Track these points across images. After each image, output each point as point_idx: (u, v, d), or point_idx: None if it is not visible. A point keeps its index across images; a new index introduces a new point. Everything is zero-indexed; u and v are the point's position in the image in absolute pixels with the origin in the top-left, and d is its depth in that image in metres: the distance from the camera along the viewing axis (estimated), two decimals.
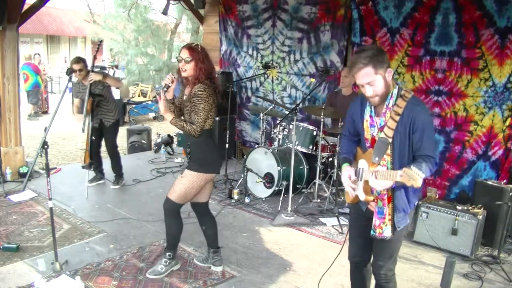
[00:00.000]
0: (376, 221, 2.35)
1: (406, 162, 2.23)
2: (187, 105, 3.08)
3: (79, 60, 4.99)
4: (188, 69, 3.01)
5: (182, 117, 3.16)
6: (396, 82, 2.33)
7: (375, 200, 2.32)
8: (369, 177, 2.17)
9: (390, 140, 2.22)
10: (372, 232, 2.37)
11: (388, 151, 2.25)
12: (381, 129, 2.27)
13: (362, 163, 2.35)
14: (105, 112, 5.02)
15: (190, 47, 3.04)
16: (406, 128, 2.20)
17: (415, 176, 1.93)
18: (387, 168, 2.25)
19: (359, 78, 2.21)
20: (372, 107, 2.33)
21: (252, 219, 4.54)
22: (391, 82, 2.25)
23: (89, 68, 4.99)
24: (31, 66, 10.07)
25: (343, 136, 2.62)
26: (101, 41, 4.63)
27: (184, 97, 3.16)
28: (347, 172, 2.37)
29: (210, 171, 3.16)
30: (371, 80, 2.18)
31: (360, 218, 2.48)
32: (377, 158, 2.22)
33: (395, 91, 2.26)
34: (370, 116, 2.34)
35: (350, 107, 2.52)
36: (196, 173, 3.10)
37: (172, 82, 3.08)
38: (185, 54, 3.00)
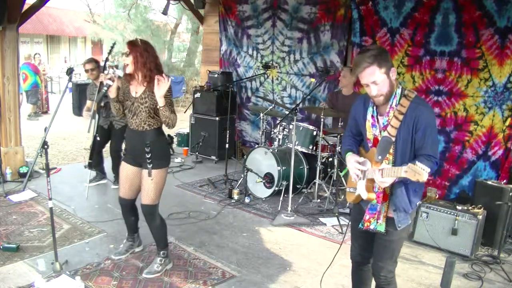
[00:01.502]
0: (366, 215, 2.39)
1: (407, 161, 2.22)
2: (146, 101, 3.05)
3: (92, 60, 5.13)
4: (130, 64, 3.02)
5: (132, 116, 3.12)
6: (399, 82, 2.34)
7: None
8: (375, 175, 2.18)
9: (393, 139, 2.23)
10: (360, 225, 2.41)
11: (391, 150, 2.26)
12: (384, 128, 2.28)
13: (366, 164, 2.35)
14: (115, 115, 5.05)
15: (129, 41, 3.07)
16: (410, 127, 2.21)
17: (420, 170, 1.94)
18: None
19: (364, 77, 2.21)
20: (374, 107, 2.34)
21: (252, 219, 4.54)
22: (395, 82, 2.26)
23: (100, 69, 5.02)
24: (30, 66, 10.05)
25: (345, 136, 2.61)
26: (114, 44, 4.64)
27: (135, 95, 3.09)
28: (353, 157, 2.38)
29: (168, 164, 3.27)
30: (376, 79, 2.19)
31: (361, 218, 2.48)
32: (380, 157, 2.22)
33: (399, 90, 2.26)
34: (372, 116, 2.34)
35: (352, 108, 2.52)
36: (164, 169, 3.19)
37: (113, 81, 3.09)
38: (126, 49, 3.01)
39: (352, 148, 2.49)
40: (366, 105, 2.40)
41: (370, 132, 2.36)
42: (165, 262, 3.34)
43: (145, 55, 3.00)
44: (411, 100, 2.21)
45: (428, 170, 1.96)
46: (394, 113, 2.23)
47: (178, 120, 3.40)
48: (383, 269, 2.43)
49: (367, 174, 2.30)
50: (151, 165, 3.12)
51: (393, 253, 2.43)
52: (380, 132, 2.30)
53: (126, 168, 3.30)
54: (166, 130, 3.39)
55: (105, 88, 3.09)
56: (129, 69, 3.04)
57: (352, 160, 2.38)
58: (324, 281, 3.19)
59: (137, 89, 3.11)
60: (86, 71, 5.07)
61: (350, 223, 2.69)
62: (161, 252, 3.32)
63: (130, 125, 3.17)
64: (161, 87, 2.94)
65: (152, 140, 3.13)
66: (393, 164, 2.28)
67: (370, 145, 2.38)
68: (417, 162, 1.98)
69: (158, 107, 3.01)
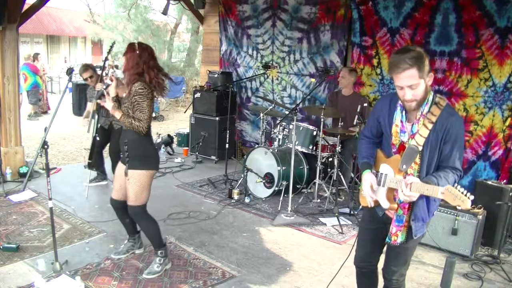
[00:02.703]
0: (393, 228, 2.27)
1: (431, 171, 2.16)
2: (125, 102, 3.13)
3: (87, 67, 5.03)
4: (123, 62, 3.11)
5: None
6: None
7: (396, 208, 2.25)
8: (401, 187, 2.06)
9: (421, 148, 2.13)
10: (387, 239, 2.30)
11: (417, 159, 2.16)
12: (412, 136, 2.16)
13: (385, 168, 2.25)
14: None
15: (130, 43, 3.13)
16: (439, 137, 2.11)
17: (463, 197, 1.85)
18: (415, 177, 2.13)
19: (401, 79, 2.07)
20: (404, 112, 2.20)
21: (252, 219, 4.54)
22: (429, 88, 2.14)
23: (98, 72, 5.00)
24: (29, 67, 10.00)
25: (362, 137, 2.48)
26: (113, 43, 4.63)
27: (124, 95, 3.20)
28: (369, 180, 2.27)
29: (151, 167, 3.18)
30: (414, 83, 2.05)
31: (373, 222, 2.41)
32: (404, 166, 2.13)
33: (431, 97, 2.14)
34: (401, 122, 2.21)
35: (375, 108, 2.38)
36: (140, 171, 3.12)
37: (112, 80, 3.12)
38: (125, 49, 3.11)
39: (369, 161, 2.35)
40: (392, 107, 2.26)
41: (397, 138, 2.24)
42: (164, 261, 3.33)
43: (136, 60, 3.05)
44: (442, 109, 2.11)
45: (472, 197, 1.86)
46: (423, 121, 2.12)
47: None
48: (396, 273, 2.38)
49: (388, 182, 2.19)
50: (127, 164, 3.14)
51: (407, 258, 2.38)
52: (409, 139, 2.18)
53: (118, 168, 3.34)
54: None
55: (104, 87, 3.11)
56: (123, 68, 3.15)
57: (367, 183, 2.26)
58: (324, 281, 3.19)
59: (125, 90, 3.21)
60: (85, 79, 5.02)
61: (358, 226, 2.61)
62: (158, 252, 3.30)
63: (116, 123, 3.25)
64: (106, 105, 3.07)
65: (131, 139, 3.13)
66: (418, 174, 2.17)
67: (394, 150, 2.25)
68: (458, 186, 1.88)
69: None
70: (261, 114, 5.56)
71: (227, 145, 5.92)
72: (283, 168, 4.94)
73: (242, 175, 5.29)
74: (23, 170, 5.40)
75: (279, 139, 5.39)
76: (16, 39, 5.21)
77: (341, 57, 5.75)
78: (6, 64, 5.17)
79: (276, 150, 5.12)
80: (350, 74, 5.20)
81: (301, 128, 5.17)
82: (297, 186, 5.09)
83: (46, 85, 11.78)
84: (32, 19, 7.93)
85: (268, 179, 5.04)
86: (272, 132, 5.55)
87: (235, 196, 5.03)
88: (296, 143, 5.06)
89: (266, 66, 6.41)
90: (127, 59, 3.08)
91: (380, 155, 2.35)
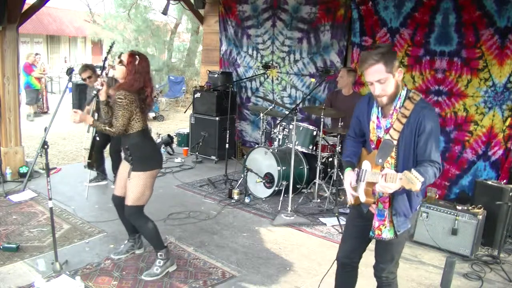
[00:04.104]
0: (375, 222, 2.32)
1: (411, 166, 2.18)
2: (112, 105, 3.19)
3: (86, 68, 5.03)
4: (118, 71, 3.12)
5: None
6: (405, 84, 2.28)
7: (376, 203, 2.29)
8: (379, 179, 2.10)
9: (395, 142, 2.18)
10: (371, 233, 2.35)
11: (393, 154, 2.21)
12: (386, 131, 2.23)
13: (365, 164, 2.31)
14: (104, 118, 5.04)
15: (132, 53, 3.14)
16: (413, 131, 2.15)
17: (414, 179, 1.88)
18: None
19: (369, 74, 2.15)
20: (379, 108, 2.28)
21: (252, 219, 4.54)
22: (400, 83, 2.20)
23: (98, 72, 4.99)
24: (23, 66, 9.84)
25: (347, 137, 2.55)
26: (113, 43, 4.63)
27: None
28: (349, 177, 2.34)
29: (154, 167, 3.23)
30: (381, 77, 2.13)
31: (359, 219, 2.46)
32: (380, 160, 2.17)
33: (404, 92, 2.21)
34: (377, 118, 2.29)
35: (356, 107, 2.45)
36: (142, 173, 3.16)
37: (102, 85, 3.16)
38: (125, 58, 3.11)
39: (351, 160, 2.42)
40: (370, 105, 2.34)
41: (374, 134, 2.31)
42: (165, 264, 3.29)
43: (130, 67, 3.10)
44: (415, 103, 2.16)
45: (422, 179, 1.91)
46: (397, 115, 2.18)
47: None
48: (385, 270, 2.42)
49: (367, 177, 2.24)
50: (131, 167, 3.18)
51: (394, 255, 2.41)
52: (384, 134, 2.25)
53: (123, 164, 3.37)
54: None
55: (95, 92, 3.16)
56: (116, 74, 3.14)
57: (347, 181, 2.34)
58: (324, 281, 3.18)
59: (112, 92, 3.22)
60: (84, 80, 5.01)
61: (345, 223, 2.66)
62: (158, 254, 3.28)
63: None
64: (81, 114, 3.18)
65: (131, 143, 3.18)
66: (395, 168, 2.23)
67: (373, 146, 2.32)
68: (413, 170, 1.92)
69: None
70: (261, 114, 5.56)
71: (227, 145, 5.93)
72: (283, 168, 4.94)
73: (242, 175, 5.29)
74: (23, 170, 5.40)
75: (279, 139, 5.39)
76: (16, 39, 5.21)
77: (341, 57, 5.75)
78: (6, 64, 5.17)
79: (276, 150, 5.12)
80: (349, 74, 5.20)
81: (301, 128, 5.17)
82: (297, 186, 5.09)
83: (46, 86, 11.69)
84: (32, 19, 7.93)
85: (268, 179, 5.04)
86: (272, 132, 5.55)
87: (235, 196, 5.03)
88: (296, 143, 5.06)
89: (266, 66, 6.41)
90: (127, 71, 3.11)
91: (364, 152, 2.42)
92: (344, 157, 2.50)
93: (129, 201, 3.19)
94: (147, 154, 3.21)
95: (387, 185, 2.03)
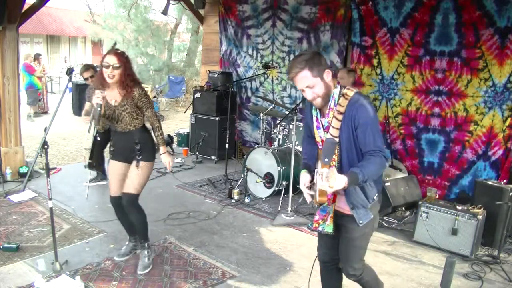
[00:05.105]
0: (316, 216, 2.40)
1: (356, 160, 2.24)
2: (125, 106, 3.20)
3: (88, 67, 5.03)
4: (116, 75, 3.11)
5: (120, 122, 3.26)
6: (338, 82, 2.37)
7: (329, 202, 2.33)
8: (318, 179, 2.16)
9: (337, 139, 2.24)
10: (309, 224, 2.44)
11: (336, 151, 2.27)
12: (326, 129, 2.30)
13: (318, 165, 2.35)
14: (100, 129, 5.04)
15: (117, 53, 3.13)
16: (349, 126, 2.21)
17: (338, 176, 1.99)
18: (336, 168, 2.24)
19: (297, 82, 2.26)
20: (318, 110, 2.36)
21: (252, 219, 4.54)
22: (331, 83, 2.27)
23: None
24: (25, 66, 9.83)
25: (303, 138, 2.63)
26: (114, 43, 4.65)
27: (115, 103, 3.21)
28: (303, 178, 2.42)
29: (154, 159, 3.42)
30: (309, 83, 2.22)
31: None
32: (326, 159, 2.21)
33: (336, 91, 2.28)
34: (317, 119, 2.37)
35: (304, 110, 2.56)
36: (150, 163, 3.36)
37: (102, 100, 3.14)
38: (114, 60, 3.07)
39: (307, 162, 2.50)
40: (312, 107, 2.41)
41: (317, 135, 2.39)
42: (151, 253, 3.44)
43: (128, 66, 3.18)
44: (349, 99, 2.22)
45: (343, 178, 2.02)
46: (333, 113, 2.25)
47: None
48: (350, 269, 2.44)
49: (317, 177, 2.29)
50: (140, 157, 3.28)
51: (358, 251, 2.43)
52: (324, 133, 2.32)
53: (115, 165, 3.38)
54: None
55: (99, 109, 3.09)
56: (115, 79, 3.11)
57: (301, 182, 2.42)
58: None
59: (115, 98, 3.21)
60: (86, 79, 5.02)
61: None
62: (146, 244, 3.41)
63: (116, 129, 3.32)
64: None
65: (140, 137, 3.30)
66: (339, 164, 2.29)
67: (320, 147, 2.38)
68: (333, 169, 2.03)
69: None
70: (261, 114, 5.56)
71: (227, 145, 5.92)
72: (283, 168, 4.94)
73: (242, 175, 5.29)
74: (23, 170, 5.40)
75: (279, 139, 5.39)
76: (16, 39, 5.21)
77: (341, 57, 5.75)
78: (6, 64, 5.17)
79: (276, 150, 5.12)
80: (349, 75, 5.19)
81: (301, 128, 5.17)
82: (297, 186, 5.07)
83: (46, 86, 11.67)
84: (32, 19, 7.92)
85: (268, 179, 5.05)
86: (272, 132, 5.55)
87: (235, 196, 5.03)
88: (296, 143, 5.06)
89: (266, 66, 6.41)
90: (124, 69, 3.13)
91: (319, 153, 2.46)
92: (302, 159, 2.59)
93: (133, 189, 3.27)
94: (152, 145, 3.40)
95: (325, 184, 2.08)
